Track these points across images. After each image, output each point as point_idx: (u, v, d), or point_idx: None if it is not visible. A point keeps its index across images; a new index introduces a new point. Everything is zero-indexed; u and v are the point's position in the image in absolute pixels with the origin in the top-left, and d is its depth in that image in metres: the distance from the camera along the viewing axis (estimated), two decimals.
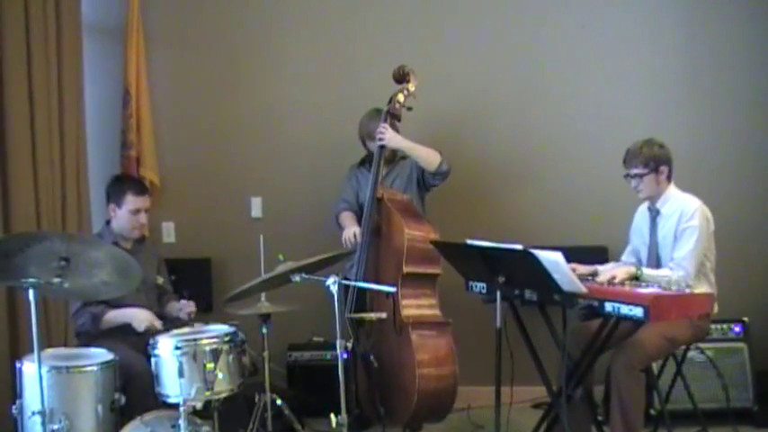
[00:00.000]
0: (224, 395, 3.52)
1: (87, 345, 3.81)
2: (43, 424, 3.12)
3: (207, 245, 5.39)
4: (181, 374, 3.39)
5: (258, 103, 5.43)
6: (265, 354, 3.93)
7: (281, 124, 5.44)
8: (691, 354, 4.18)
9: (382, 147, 4.61)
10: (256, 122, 5.44)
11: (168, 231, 5.41)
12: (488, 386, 3.67)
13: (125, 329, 3.87)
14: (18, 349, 4.06)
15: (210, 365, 3.43)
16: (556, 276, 3.35)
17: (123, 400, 3.47)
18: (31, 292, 3.08)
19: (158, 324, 3.84)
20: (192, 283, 4.68)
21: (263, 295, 4.01)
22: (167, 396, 3.46)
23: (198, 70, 5.45)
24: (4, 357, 4.01)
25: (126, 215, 4.06)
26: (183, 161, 5.44)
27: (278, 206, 5.41)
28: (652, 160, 3.91)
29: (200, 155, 5.46)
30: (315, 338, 5.09)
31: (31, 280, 3.09)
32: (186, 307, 4.14)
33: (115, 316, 3.89)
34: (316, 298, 4.06)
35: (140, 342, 3.70)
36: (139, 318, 3.85)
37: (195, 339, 3.51)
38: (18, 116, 4.25)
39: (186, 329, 3.76)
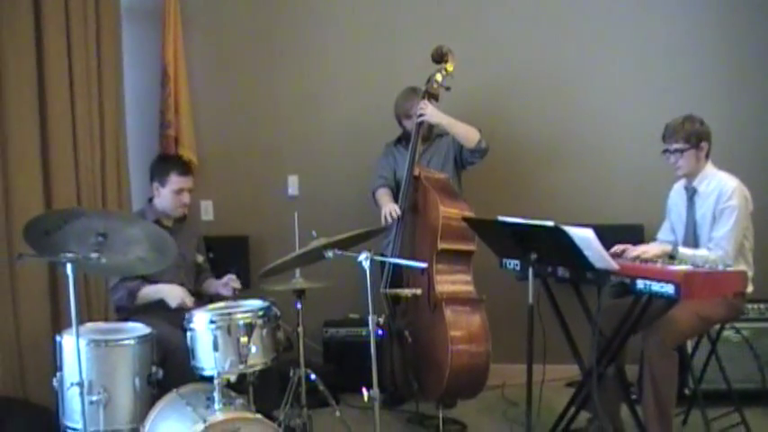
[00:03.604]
0: (258, 369, 3.56)
1: (126, 319, 3.89)
2: (81, 395, 3.20)
3: (244, 223, 5.46)
4: (215, 348, 3.43)
5: (295, 82, 5.46)
6: (300, 329, 3.95)
7: (318, 103, 5.47)
8: (726, 333, 4.14)
9: (421, 123, 4.61)
10: (293, 101, 5.48)
11: (206, 209, 5.49)
12: (524, 364, 3.64)
13: (163, 304, 3.95)
14: (59, 323, 4.16)
15: (244, 339, 3.46)
16: (587, 253, 3.33)
17: (161, 373, 3.51)
18: (69, 267, 3.13)
19: (190, 301, 3.90)
20: (229, 260, 4.75)
21: (297, 271, 4.05)
22: (202, 369, 3.51)
23: (235, 50, 5.50)
24: (46, 331, 4.10)
25: (169, 195, 4.13)
26: (221, 140, 5.50)
27: (314, 184, 5.47)
28: (693, 135, 3.86)
29: (238, 134, 5.51)
30: (351, 315, 5.16)
31: (70, 255, 3.15)
32: (231, 282, 4.19)
33: (150, 291, 3.98)
34: (352, 275, 4.11)
35: (177, 316, 3.75)
36: (173, 294, 3.94)
37: (230, 313, 3.55)
38: (58, 98, 4.33)
39: (222, 304, 3.82)
